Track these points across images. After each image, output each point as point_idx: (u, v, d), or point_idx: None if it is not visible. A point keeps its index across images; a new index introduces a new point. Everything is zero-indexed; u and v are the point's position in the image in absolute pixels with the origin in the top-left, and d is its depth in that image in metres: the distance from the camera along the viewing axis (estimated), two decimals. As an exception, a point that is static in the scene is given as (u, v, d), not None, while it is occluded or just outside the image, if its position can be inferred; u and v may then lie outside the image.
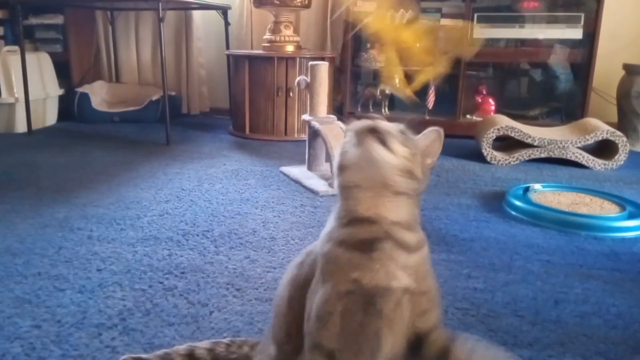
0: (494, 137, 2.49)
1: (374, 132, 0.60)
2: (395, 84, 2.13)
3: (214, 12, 3.50)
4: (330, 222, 0.64)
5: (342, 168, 0.62)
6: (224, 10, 3.46)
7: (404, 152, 0.60)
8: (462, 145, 2.88)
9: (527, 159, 2.50)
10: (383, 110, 3.22)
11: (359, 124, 0.61)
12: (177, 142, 2.87)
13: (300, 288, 0.67)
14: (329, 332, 0.61)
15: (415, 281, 0.61)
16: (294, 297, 0.69)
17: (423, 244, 0.63)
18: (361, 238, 0.60)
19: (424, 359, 0.63)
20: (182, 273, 1.32)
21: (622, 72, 2.91)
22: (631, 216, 1.70)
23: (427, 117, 3.12)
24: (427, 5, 3.07)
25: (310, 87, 2.26)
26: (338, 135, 2.13)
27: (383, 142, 0.59)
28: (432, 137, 0.66)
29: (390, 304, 0.59)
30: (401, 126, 0.63)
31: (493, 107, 3.09)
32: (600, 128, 2.42)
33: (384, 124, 0.61)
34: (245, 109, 3.06)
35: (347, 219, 0.62)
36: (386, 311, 0.59)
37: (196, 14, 3.63)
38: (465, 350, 0.62)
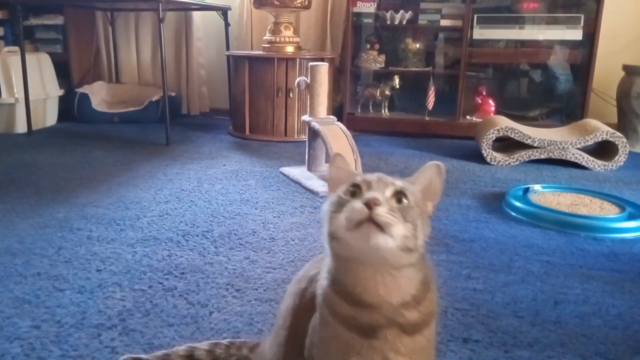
0: (494, 138, 2.49)
1: (373, 221, 0.53)
2: None
3: (214, 12, 3.50)
4: (327, 273, 0.60)
5: (335, 238, 0.56)
6: (224, 11, 3.46)
7: (404, 231, 0.54)
8: (462, 146, 2.88)
9: (526, 159, 2.50)
10: (383, 110, 3.22)
11: (356, 205, 0.54)
12: (177, 142, 2.87)
13: (303, 316, 0.65)
14: None
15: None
16: (296, 326, 0.67)
17: (430, 317, 0.58)
18: (361, 322, 0.56)
19: None
20: (182, 274, 1.32)
21: (622, 73, 2.91)
22: (631, 217, 1.70)
23: (427, 118, 3.13)
24: (426, 6, 3.07)
25: (310, 87, 2.27)
26: (338, 136, 2.13)
27: (382, 229, 0.53)
28: (431, 175, 0.63)
29: None
30: (399, 183, 0.58)
31: (493, 108, 3.09)
32: (600, 129, 2.43)
33: (383, 214, 0.53)
34: (245, 109, 3.06)
35: (347, 298, 0.56)
36: None
37: (196, 15, 3.64)
38: None
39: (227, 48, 3.49)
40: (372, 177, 0.58)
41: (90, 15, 3.71)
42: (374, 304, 0.55)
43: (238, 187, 2.07)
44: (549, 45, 3.00)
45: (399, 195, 0.57)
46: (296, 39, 3.15)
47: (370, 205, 0.53)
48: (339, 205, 0.56)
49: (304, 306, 0.66)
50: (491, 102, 3.10)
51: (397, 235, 0.53)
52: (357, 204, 0.54)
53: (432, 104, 3.07)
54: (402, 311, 0.56)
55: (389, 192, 0.56)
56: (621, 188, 2.15)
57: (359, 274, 0.56)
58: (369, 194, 0.55)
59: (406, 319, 0.56)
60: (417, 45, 3.21)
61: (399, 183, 0.58)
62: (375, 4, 3.13)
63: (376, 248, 0.53)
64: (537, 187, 2.01)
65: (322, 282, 0.60)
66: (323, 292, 0.59)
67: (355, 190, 0.57)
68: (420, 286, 0.58)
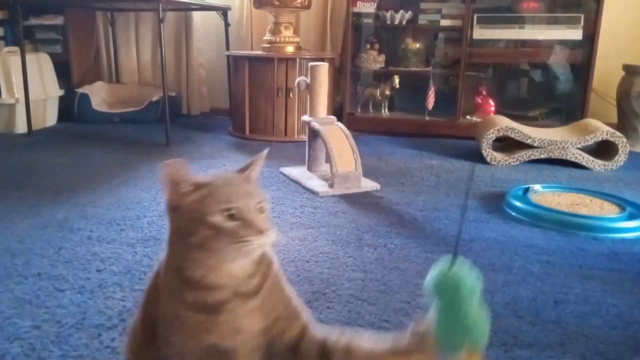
0: (494, 137, 2.49)
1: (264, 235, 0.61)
2: None
3: (214, 12, 3.50)
4: (170, 267, 0.64)
5: (209, 226, 0.60)
6: (224, 11, 3.46)
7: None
8: (462, 146, 2.88)
9: (527, 159, 2.50)
10: (383, 110, 3.22)
11: (253, 245, 0.61)
12: (177, 142, 2.87)
13: (153, 298, 0.69)
14: None
15: (266, 317, 0.64)
16: (147, 307, 0.70)
17: (266, 276, 0.65)
18: (208, 303, 0.61)
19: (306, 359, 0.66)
20: (182, 273, 1.32)
21: (622, 73, 2.91)
22: (631, 217, 1.70)
23: (427, 118, 3.13)
24: (426, 6, 3.07)
25: (310, 88, 2.27)
26: (338, 136, 2.13)
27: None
28: (260, 165, 0.70)
29: (244, 352, 0.63)
30: (257, 194, 0.64)
31: (493, 108, 3.09)
32: (600, 129, 2.43)
33: (273, 236, 0.62)
34: (245, 109, 3.06)
35: (195, 284, 0.62)
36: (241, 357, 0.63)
37: (196, 15, 3.64)
38: (343, 344, 0.65)
39: (227, 48, 3.49)
40: (243, 194, 0.62)
41: (90, 15, 3.71)
42: (223, 285, 0.62)
43: (238, 187, 2.07)
44: (549, 45, 3.00)
45: (262, 204, 0.64)
46: (296, 39, 3.15)
47: (264, 233, 0.61)
48: (221, 233, 0.60)
49: (154, 289, 0.69)
50: (491, 102, 3.10)
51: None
52: (254, 239, 0.60)
53: (432, 104, 3.07)
54: (248, 281, 0.63)
55: (255, 204, 0.63)
56: (621, 188, 2.15)
57: (209, 262, 0.61)
58: (257, 223, 0.61)
59: (250, 286, 0.63)
60: (417, 45, 3.21)
61: (257, 194, 0.64)
62: (375, 4, 3.13)
63: (251, 255, 0.63)
64: (537, 187, 2.01)
65: (168, 277, 0.64)
66: (171, 286, 0.63)
67: (227, 212, 0.61)
68: (257, 260, 0.65)
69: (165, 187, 0.63)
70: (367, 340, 0.65)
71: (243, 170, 0.68)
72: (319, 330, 0.68)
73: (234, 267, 0.63)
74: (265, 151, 0.71)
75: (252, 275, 0.64)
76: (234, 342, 0.62)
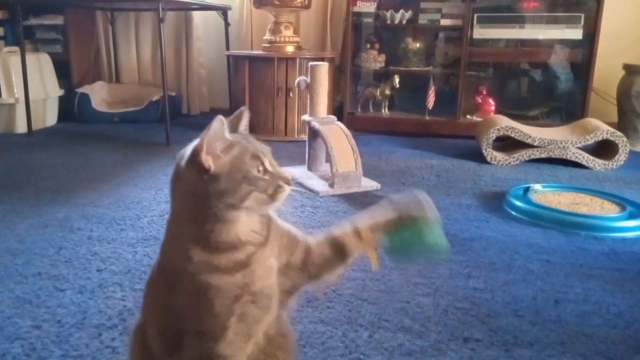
0: (494, 137, 2.49)
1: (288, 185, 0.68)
2: None
3: (214, 12, 3.50)
4: (188, 239, 0.65)
5: (241, 207, 0.64)
6: (224, 11, 3.46)
7: None
8: (462, 145, 2.88)
9: (527, 159, 2.50)
10: (383, 110, 3.22)
11: (285, 189, 0.68)
12: (178, 142, 2.87)
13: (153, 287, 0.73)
14: (226, 341, 0.66)
15: (277, 256, 0.70)
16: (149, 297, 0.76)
17: (270, 224, 0.70)
18: (241, 260, 0.65)
19: (321, 267, 0.74)
20: (182, 273, 1.32)
21: (622, 72, 2.91)
22: (631, 216, 1.70)
23: (427, 118, 3.13)
24: (427, 5, 3.07)
25: (310, 87, 2.26)
26: (338, 136, 2.13)
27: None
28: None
29: (271, 291, 0.69)
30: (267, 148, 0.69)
31: (493, 108, 3.09)
32: (601, 128, 2.42)
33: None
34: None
35: (225, 247, 0.65)
36: (268, 299, 0.68)
37: (196, 15, 3.64)
38: (350, 228, 0.75)
39: (227, 48, 3.49)
40: (265, 150, 0.68)
41: (90, 15, 3.71)
42: (248, 240, 0.66)
43: (238, 187, 2.07)
44: (549, 44, 3.00)
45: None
46: (296, 39, 3.15)
47: (289, 182, 0.68)
48: (260, 186, 0.65)
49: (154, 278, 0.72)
50: (491, 101, 3.10)
51: None
52: (286, 187, 0.67)
53: (432, 103, 3.07)
54: (261, 232, 0.68)
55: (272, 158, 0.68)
56: (621, 187, 2.15)
57: (240, 224, 0.65)
58: (284, 174, 0.68)
59: (263, 235, 0.68)
60: (417, 45, 3.21)
61: (267, 147, 0.69)
62: (376, 3, 3.13)
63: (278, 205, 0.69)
64: (538, 186, 2.00)
65: (189, 262, 0.64)
66: (196, 266, 0.64)
67: (260, 166, 0.65)
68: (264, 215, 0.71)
69: (207, 150, 0.62)
70: (363, 218, 0.75)
71: (235, 124, 0.71)
72: (317, 237, 0.75)
73: (253, 221, 0.67)
74: (244, 108, 0.74)
75: (262, 226, 0.69)
76: (266, 283, 0.67)
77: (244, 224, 0.66)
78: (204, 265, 0.64)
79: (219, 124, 0.63)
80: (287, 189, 0.67)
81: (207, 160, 0.62)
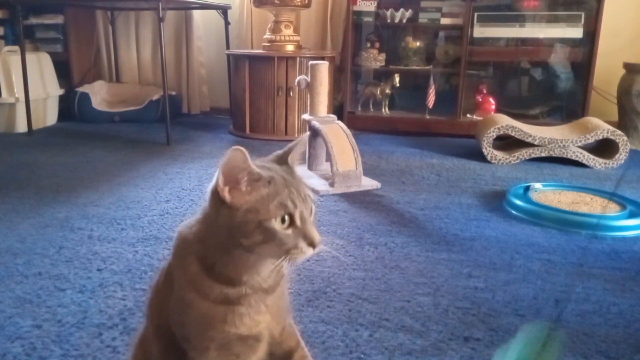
0: (495, 136, 2.49)
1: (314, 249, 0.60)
2: None
3: (214, 11, 3.50)
4: (193, 254, 0.63)
5: (260, 243, 0.59)
6: (224, 10, 3.46)
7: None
8: (463, 144, 2.88)
9: (527, 158, 2.50)
10: (383, 109, 3.22)
11: (305, 252, 0.60)
12: (178, 141, 2.87)
13: (161, 291, 0.70)
14: (208, 358, 0.64)
15: (274, 317, 0.66)
16: (154, 300, 0.72)
17: (280, 278, 0.65)
18: (231, 296, 0.62)
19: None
20: (183, 273, 1.32)
21: (623, 71, 2.90)
22: (632, 215, 1.70)
23: (428, 117, 3.13)
24: (427, 4, 3.07)
25: (310, 86, 2.26)
26: (338, 135, 2.13)
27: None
28: None
29: (259, 336, 0.65)
30: (312, 197, 0.63)
31: (493, 107, 3.09)
32: (601, 127, 2.42)
33: (321, 248, 0.61)
34: (246, 108, 3.06)
35: (222, 279, 0.61)
36: (257, 341, 0.65)
37: (196, 14, 3.63)
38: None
39: (227, 47, 3.48)
40: (300, 199, 0.60)
41: (90, 14, 3.70)
42: (247, 281, 0.62)
43: (239, 186, 2.07)
44: (550, 43, 2.99)
45: (314, 208, 0.63)
46: (296, 38, 3.14)
47: (315, 246, 0.59)
48: (278, 240, 0.58)
49: (162, 282, 0.69)
50: (492, 100, 3.10)
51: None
52: (308, 250, 0.59)
53: (433, 102, 3.06)
54: (268, 278, 0.63)
55: (310, 213, 0.61)
56: (622, 186, 2.14)
57: (249, 268, 0.61)
58: (312, 235, 0.59)
59: (267, 283, 0.63)
60: (418, 44, 3.21)
61: (311, 197, 0.63)
62: (376, 2, 3.12)
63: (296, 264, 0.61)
64: (538, 185, 2.00)
65: (186, 265, 0.63)
66: (189, 274, 0.62)
67: (287, 217, 0.58)
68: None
69: (224, 181, 0.58)
70: None
71: (284, 158, 0.65)
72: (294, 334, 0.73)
73: (263, 266, 0.62)
74: (306, 135, 0.70)
75: (271, 273, 0.64)
76: (251, 331, 0.64)
77: (252, 265, 0.61)
78: (195, 284, 0.62)
79: (237, 153, 0.57)
80: (309, 252, 0.59)
81: (224, 192, 0.58)
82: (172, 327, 0.66)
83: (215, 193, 0.59)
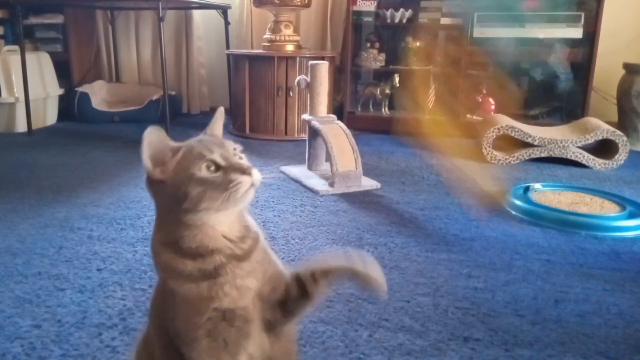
0: (494, 136, 2.49)
1: (254, 186, 0.63)
2: None
3: (214, 11, 3.50)
4: (159, 243, 0.64)
5: (201, 210, 0.61)
6: (224, 10, 3.46)
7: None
8: (463, 144, 2.88)
9: (527, 158, 2.50)
10: (383, 109, 3.22)
11: (239, 176, 0.62)
12: (178, 141, 2.86)
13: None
14: (198, 350, 0.64)
15: (259, 279, 0.66)
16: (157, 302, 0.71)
17: (256, 242, 0.67)
18: (205, 270, 0.62)
19: (292, 304, 0.68)
20: (183, 273, 1.32)
21: (622, 72, 2.90)
22: (631, 216, 1.70)
23: (428, 117, 3.12)
24: (427, 4, 3.07)
25: (310, 86, 2.26)
26: (338, 135, 2.13)
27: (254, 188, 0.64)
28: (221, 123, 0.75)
29: (246, 314, 0.64)
30: (229, 142, 0.67)
31: (493, 107, 3.09)
32: (601, 127, 2.42)
33: (256, 174, 0.64)
34: (246, 108, 3.06)
35: (192, 254, 0.62)
36: (245, 322, 0.64)
37: (196, 14, 3.63)
38: (308, 271, 0.68)
39: (227, 47, 3.48)
40: (217, 146, 0.65)
41: (90, 14, 3.70)
42: (218, 248, 0.63)
43: (238, 186, 2.07)
44: (550, 43, 2.99)
45: (237, 150, 0.66)
46: (296, 38, 3.14)
47: (248, 172, 0.63)
48: (211, 184, 0.62)
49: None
50: (491, 100, 3.10)
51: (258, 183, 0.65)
52: (243, 178, 0.62)
53: (433, 102, 3.06)
54: (240, 244, 0.64)
55: (232, 150, 0.66)
56: (622, 187, 2.14)
57: (208, 229, 0.63)
58: (239, 164, 0.63)
59: (242, 249, 0.64)
60: (418, 44, 3.21)
61: (229, 143, 0.67)
62: (376, 2, 3.13)
63: (244, 201, 0.64)
64: (538, 185, 2.00)
65: (159, 263, 0.64)
66: (164, 268, 0.64)
67: (213, 166, 0.63)
68: (245, 223, 0.67)
69: (153, 164, 0.63)
70: (318, 262, 0.69)
71: (205, 133, 0.71)
72: (288, 274, 0.70)
73: (225, 229, 0.64)
74: (221, 108, 0.74)
75: (243, 239, 0.65)
76: (237, 303, 0.63)
77: (212, 229, 0.63)
78: (171, 269, 0.63)
79: (152, 135, 0.63)
80: (246, 180, 0.62)
81: (156, 173, 0.63)
82: (168, 326, 0.66)
83: (150, 180, 0.64)
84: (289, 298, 0.68)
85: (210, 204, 0.61)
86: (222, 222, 0.64)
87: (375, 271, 0.67)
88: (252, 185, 0.63)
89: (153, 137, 0.63)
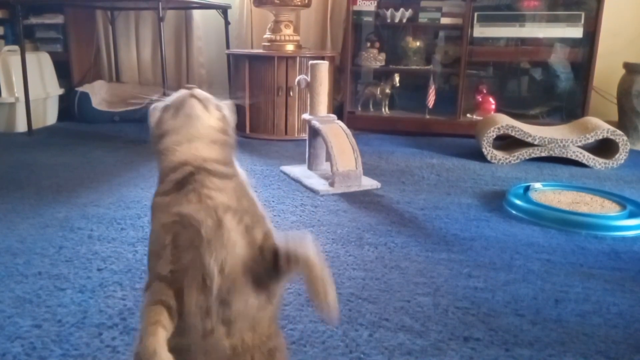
0: (495, 136, 2.49)
1: (194, 96, 0.71)
2: None
3: (214, 11, 3.50)
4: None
5: (161, 129, 0.71)
6: (224, 10, 3.46)
7: (219, 112, 0.73)
8: (463, 144, 2.88)
9: (527, 158, 2.50)
10: (383, 109, 3.22)
11: (178, 92, 0.72)
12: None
13: None
14: (164, 261, 0.64)
15: (235, 201, 0.67)
16: None
17: (236, 174, 0.71)
18: (176, 179, 0.67)
19: (264, 263, 0.67)
20: (183, 272, 1.32)
21: (623, 71, 2.90)
22: (632, 215, 1.70)
23: (428, 117, 3.12)
24: (427, 4, 3.07)
25: (310, 86, 2.26)
26: (338, 135, 2.13)
27: (203, 105, 0.71)
28: (231, 107, 0.78)
29: (210, 223, 0.63)
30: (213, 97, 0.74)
31: (493, 106, 3.09)
32: (601, 127, 2.42)
33: (201, 92, 0.72)
34: (246, 108, 3.06)
35: (166, 171, 0.69)
36: (208, 233, 0.63)
37: (196, 13, 3.63)
38: (287, 241, 0.67)
39: (227, 47, 3.48)
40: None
41: (90, 14, 3.70)
42: (186, 160, 0.68)
43: (238, 186, 2.07)
44: (550, 43, 2.99)
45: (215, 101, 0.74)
46: (296, 38, 3.14)
47: (189, 88, 0.72)
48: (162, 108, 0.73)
49: None
50: (492, 100, 3.10)
51: (213, 112, 0.72)
52: (181, 90, 0.72)
53: (433, 102, 3.06)
54: (211, 163, 0.68)
55: (209, 96, 0.74)
56: (622, 186, 2.14)
57: (177, 148, 0.69)
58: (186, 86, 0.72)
59: (215, 167, 0.68)
60: (418, 44, 3.21)
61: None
62: (376, 2, 3.12)
63: (199, 117, 0.70)
64: (538, 185, 2.00)
65: (153, 203, 0.70)
66: (152, 207, 0.69)
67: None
68: (226, 157, 0.72)
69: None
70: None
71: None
72: (277, 237, 0.70)
73: (198, 148, 0.69)
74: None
75: (219, 162, 0.69)
76: (201, 210, 0.64)
77: (186, 147, 0.69)
78: (154, 204, 0.69)
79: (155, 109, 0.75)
80: (183, 92, 0.72)
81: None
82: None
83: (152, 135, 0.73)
84: (264, 252, 0.67)
85: (168, 125, 0.70)
86: (193, 143, 0.69)
87: (331, 293, 0.63)
88: (192, 96, 0.70)
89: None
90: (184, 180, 0.66)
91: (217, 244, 0.63)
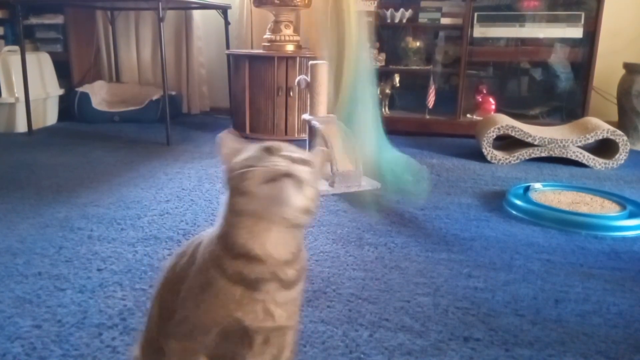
0: (495, 136, 2.49)
1: (290, 176, 0.57)
2: None
3: (214, 11, 3.50)
4: (216, 236, 0.62)
5: (243, 193, 0.58)
6: (224, 10, 3.46)
7: (313, 193, 0.61)
8: (463, 144, 2.88)
9: (527, 158, 2.50)
10: (383, 109, 3.22)
11: (275, 160, 0.58)
12: (178, 141, 2.87)
13: (171, 289, 0.67)
14: (202, 345, 0.63)
15: (287, 318, 0.62)
16: (163, 298, 0.70)
17: (301, 276, 0.63)
18: (248, 276, 0.59)
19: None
20: (183, 273, 1.32)
21: (623, 71, 2.90)
22: (632, 215, 1.70)
23: (428, 117, 3.12)
24: (427, 4, 3.07)
25: (310, 86, 2.26)
26: (338, 135, 2.13)
27: (298, 187, 0.58)
28: (320, 159, 0.69)
29: (260, 339, 0.62)
30: (306, 156, 0.62)
31: (493, 107, 3.09)
32: (601, 127, 2.42)
33: (301, 169, 0.59)
34: (246, 108, 3.06)
35: (237, 252, 0.59)
36: (256, 346, 0.62)
37: (196, 14, 3.63)
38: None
39: (227, 47, 3.48)
40: (279, 143, 0.61)
41: (90, 14, 3.71)
42: (262, 258, 0.59)
43: (238, 186, 2.06)
44: (550, 43, 2.99)
45: (307, 163, 0.60)
46: (296, 38, 3.14)
47: (291, 159, 0.58)
48: (253, 161, 0.59)
49: (173, 279, 0.68)
50: (492, 100, 3.10)
51: (308, 195, 0.59)
52: (278, 158, 0.58)
53: (433, 102, 3.06)
54: (284, 268, 0.60)
55: (299, 156, 0.60)
56: (622, 186, 2.14)
57: (253, 228, 0.59)
58: (286, 152, 0.59)
59: (286, 275, 0.60)
60: (418, 44, 3.21)
61: (308, 157, 0.62)
62: (376, 2, 3.12)
63: (287, 203, 0.57)
64: (538, 185, 2.00)
65: (211, 246, 0.62)
66: (212, 254, 0.61)
67: (266, 153, 0.59)
68: (299, 249, 0.63)
69: (223, 157, 0.62)
70: None
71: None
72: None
73: (275, 239, 0.60)
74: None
75: (290, 265, 0.61)
76: (261, 325, 0.60)
77: (263, 233, 0.59)
78: (217, 258, 0.61)
79: (228, 135, 0.64)
80: (280, 163, 0.58)
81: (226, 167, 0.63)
82: (171, 323, 0.65)
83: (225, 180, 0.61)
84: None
85: (242, 181, 0.57)
86: (272, 232, 0.59)
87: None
88: (290, 177, 0.57)
89: (230, 137, 0.64)
90: (255, 282, 0.59)
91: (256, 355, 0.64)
